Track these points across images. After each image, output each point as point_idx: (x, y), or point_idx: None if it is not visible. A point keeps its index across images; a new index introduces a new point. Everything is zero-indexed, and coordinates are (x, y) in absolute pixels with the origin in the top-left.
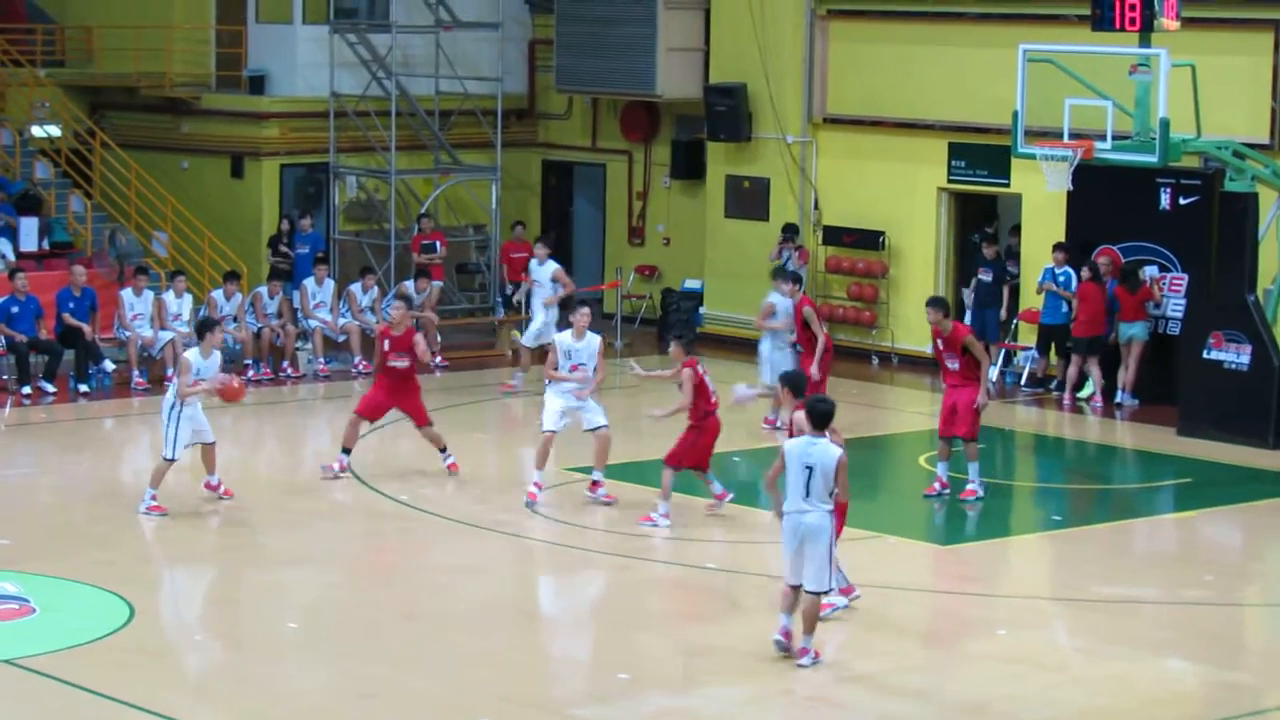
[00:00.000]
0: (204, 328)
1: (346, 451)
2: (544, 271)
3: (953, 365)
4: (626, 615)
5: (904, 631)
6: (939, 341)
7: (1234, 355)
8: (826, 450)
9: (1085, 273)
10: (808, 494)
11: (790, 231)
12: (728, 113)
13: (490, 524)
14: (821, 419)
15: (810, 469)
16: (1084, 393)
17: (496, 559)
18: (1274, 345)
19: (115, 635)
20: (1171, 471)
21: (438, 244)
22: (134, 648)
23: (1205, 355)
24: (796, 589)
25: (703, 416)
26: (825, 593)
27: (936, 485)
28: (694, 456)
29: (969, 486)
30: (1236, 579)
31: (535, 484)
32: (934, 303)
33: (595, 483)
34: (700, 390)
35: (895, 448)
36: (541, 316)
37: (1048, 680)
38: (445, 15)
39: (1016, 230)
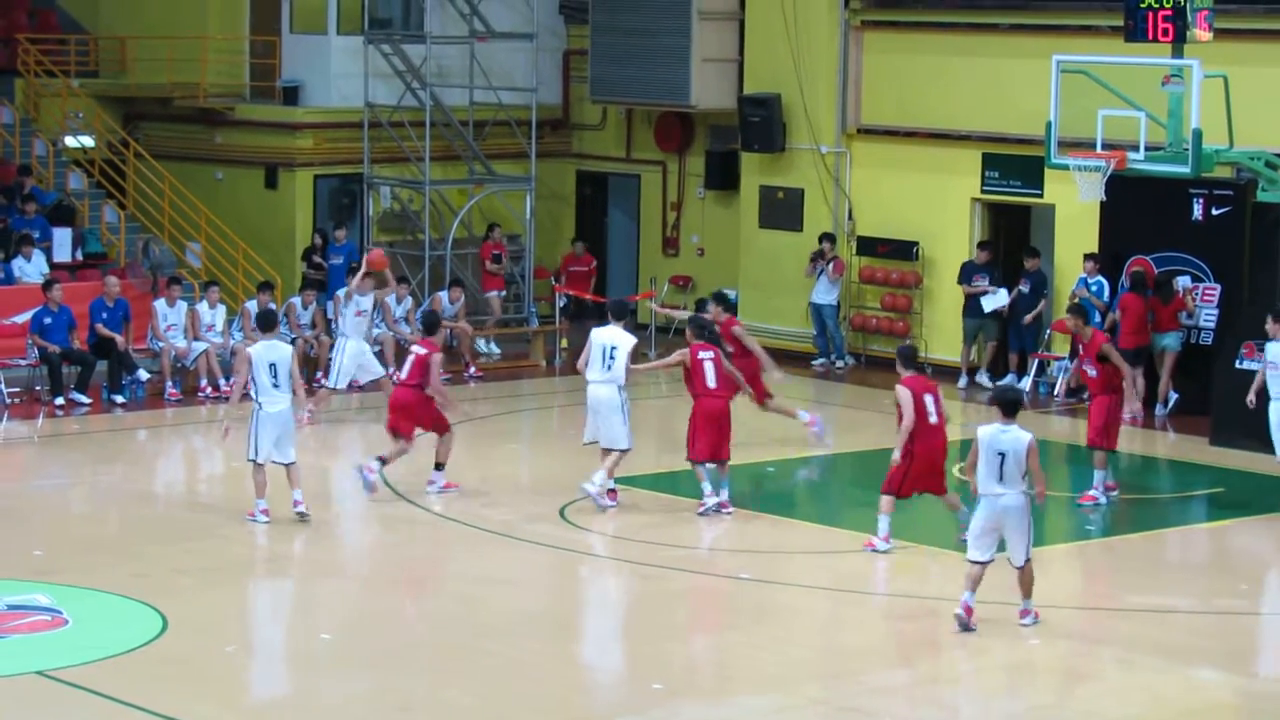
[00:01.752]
0: None
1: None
2: None
3: (1092, 372)
4: (659, 625)
5: (936, 642)
6: (1080, 348)
7: None
8: (1017, 437)
9: (1126, 282)
10: (1001, 478)
11: (827, 240)
12: (762, 123)
13: (523, 534)
14: (1011, 408)
15: (1002, 455)
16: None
17: (529, 569)
18: None
19: (148, 647)
20: (1204, 481)
21: (502, 255)
22: (167, 659)
23: (1238, 365)
24: (984, 566)
25: (693, 399)
26: (1028, 562)
27: (1097, 492)
28: (698, 444)
29: (1090, 492)
30: (1270, 588)
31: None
32: (1074, 310)
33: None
34: (696, 372)
35: None
36: None
37: (1080, 691)
38: (480, 26)
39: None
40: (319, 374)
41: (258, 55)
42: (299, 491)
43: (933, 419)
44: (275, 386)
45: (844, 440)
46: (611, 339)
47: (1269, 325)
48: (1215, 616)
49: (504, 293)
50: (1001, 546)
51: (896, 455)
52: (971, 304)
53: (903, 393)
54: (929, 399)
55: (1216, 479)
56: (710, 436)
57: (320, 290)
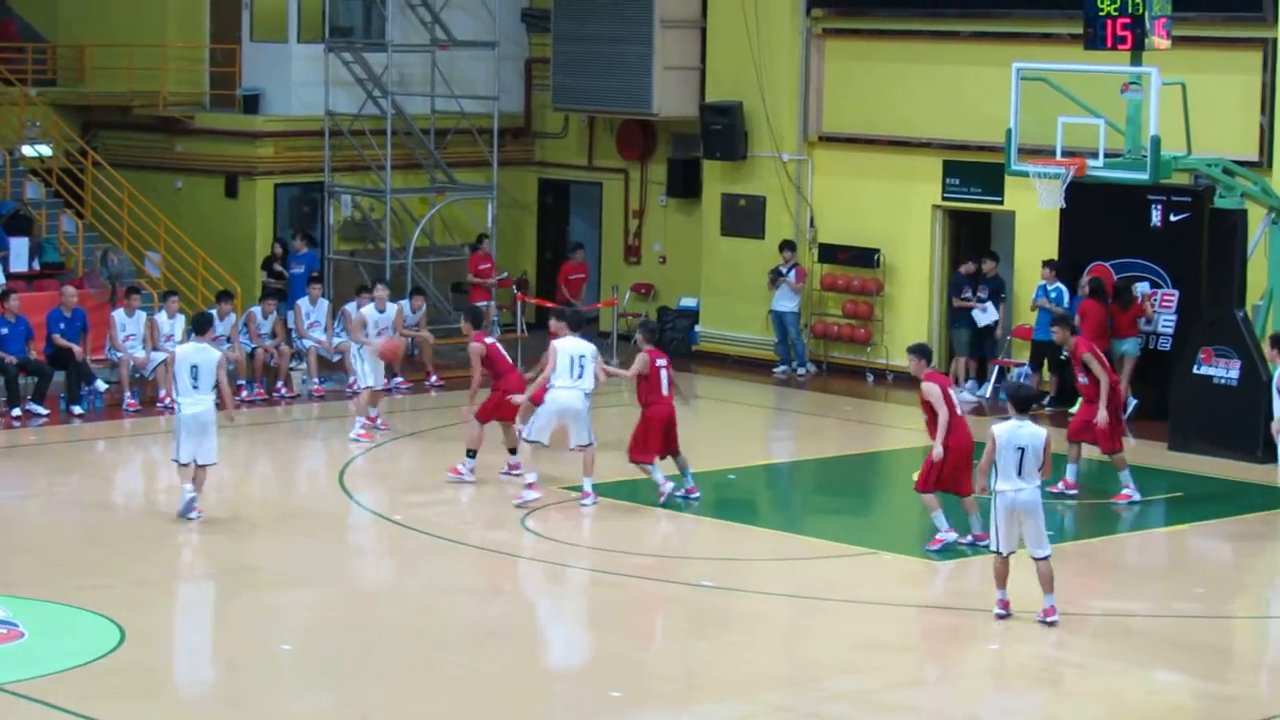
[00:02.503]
0: None
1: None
2: None
3: (1083, 380)
4: (620, 633)
5: (897, 647)
6: (1072, 357)
7: (1224, 370)
8: (1035, 431)
9: (1084, 289)
10: (1020, 472)
11: (788, 248)
12: (724, 131)
13: (484, 543)
14: (1025, 404)
15: (1022, 450)
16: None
17: (490, 578)
18: (1263, 361)
19: (105, 659)
20: (1163, 486)
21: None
22: (124, 671)
23: (1195, 370)
24: (1007, 559)
25: (645, 405)
26: (1048, 556)
27: (1061, 485)
28: (651, 446)
29: (1124, 491)
30: (1227, 592)
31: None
32: (1060, 321)
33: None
34: (653, 378)
35: (890, 464)
36: None
37: (1040, 695)
38: (441, 34)
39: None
40: (279, 383)
41: (218, 63)
42: (198, 496)
43: (961, 413)
44: (195, 388)
45: (806, 447)
46: (579, 348)
47: (1268, 351)
48: (1174, 620)
49: (492, 303)
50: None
51: (938, 449)
52: (960, 317)
53: (931, 389)
54: (952, 394)
55: (1174, 484)
56: (660, 442)
57: (280, 299)
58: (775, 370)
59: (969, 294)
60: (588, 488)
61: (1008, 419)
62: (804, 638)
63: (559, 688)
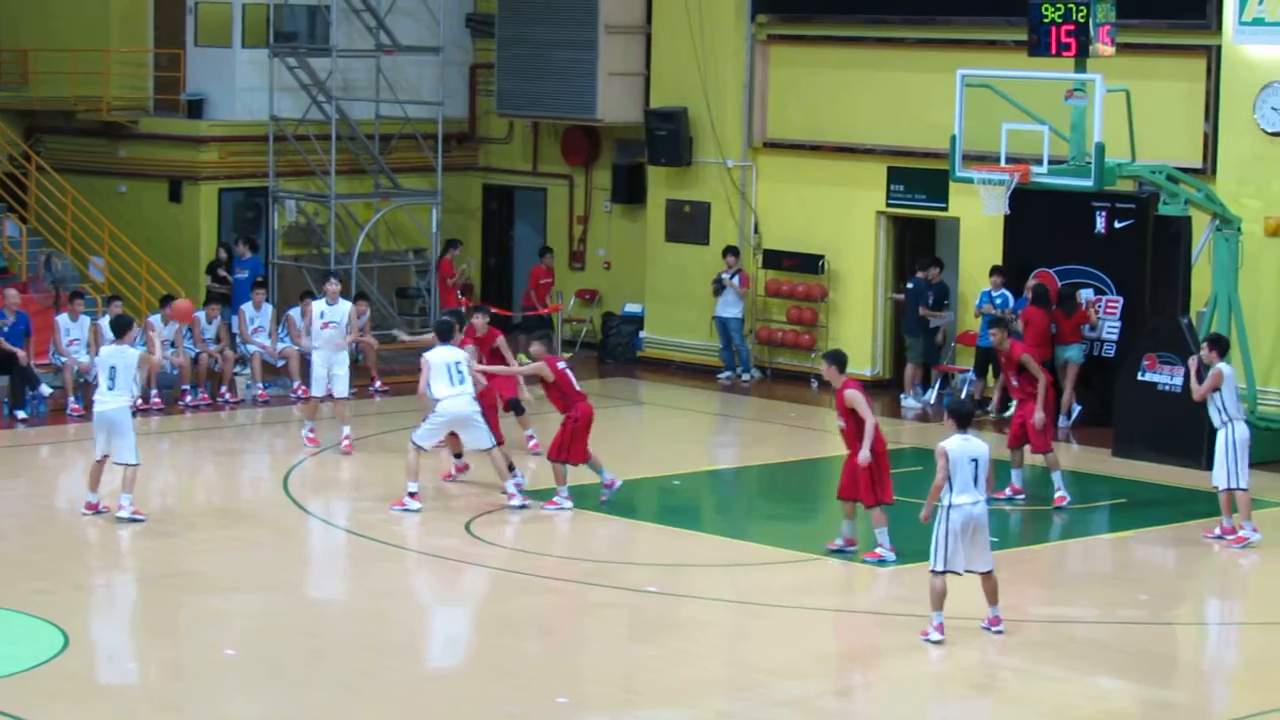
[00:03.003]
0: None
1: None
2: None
3: (1014, 383)
4: (564, 639)
5: (841, 653)
6: (1002, 360)
7: (1168, 377)
8: (979, 444)
9: (1028, 295)
10: (975, 484)
11: (731, 254)
12: (668, 137)
13: (430, 549)
14: (968, 418)
15: (975, 461)
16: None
17: (436, 584)
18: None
19: (48, 664)
20: (1107, 492)
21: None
22: (68, 677)
23: (1140, 377)
24: (946, 578)
25: (568, 408)
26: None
27: (1008, 490)
28: (577, 449)
29: (1058, 494)
30: (1170, 598)
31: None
32: (997, 323)
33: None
34: (563, 382)
35: (834, 471)
36: None
37: (982, 701)
38: (386, 40)
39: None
40: (223, 389)
41: (162, 68)
42: (128, 495)
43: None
44: (111, 389)
45: (750, 453)
46: (451, 356)
47: (1205, 353)
48: (1116, 626)
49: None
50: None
51: (866, 454)
52: (921, 324)
53: (856, 396)
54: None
55: (1118, 490)
56: (584, 441)
57: (224, 304)
58: (719, 376)
59: (931, 301)
60: (510, 489)
61: (952, 435)
62: (747, 643)
63: (504, 693)
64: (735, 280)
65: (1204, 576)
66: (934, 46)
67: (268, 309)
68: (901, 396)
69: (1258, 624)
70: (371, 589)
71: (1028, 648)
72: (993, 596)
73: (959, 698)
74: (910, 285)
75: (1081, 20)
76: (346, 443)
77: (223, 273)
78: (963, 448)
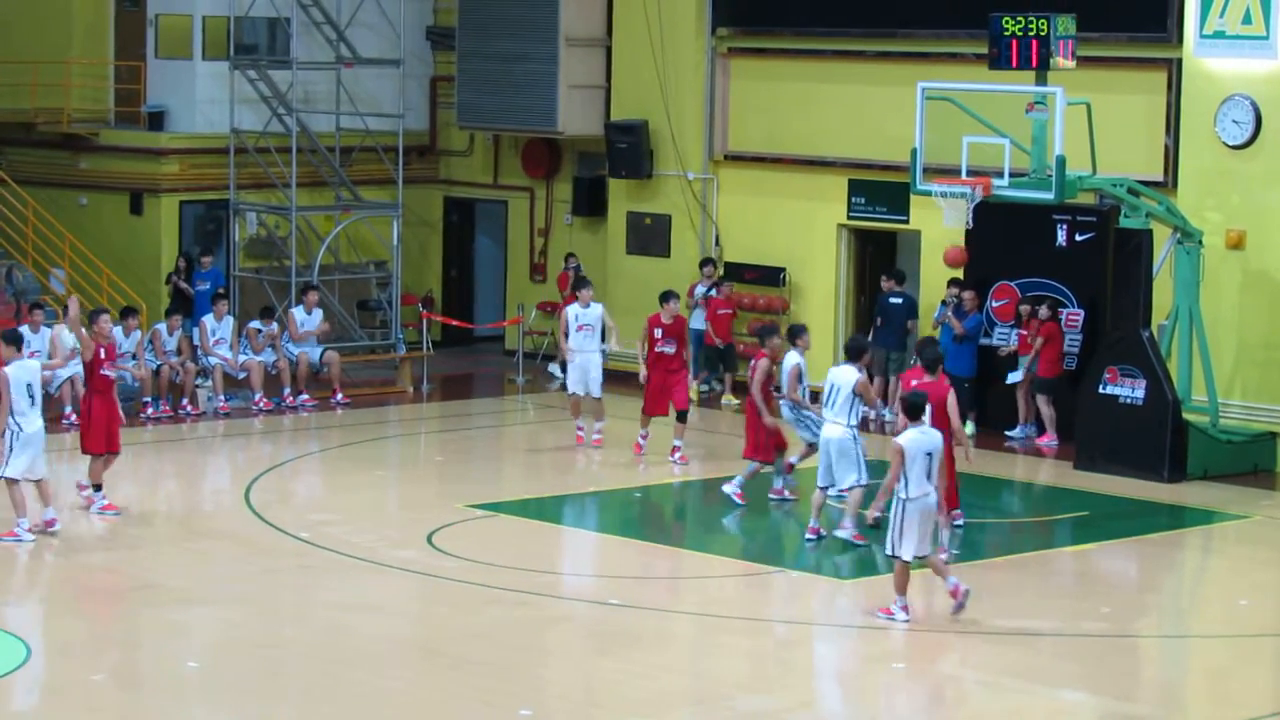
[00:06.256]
0: None
1: None
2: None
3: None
4: (527, 652)
5: (804, 665)
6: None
7: (1129, 390)
8: (933, 435)
9: (1044, 311)
10: (929, 476)
11: (709, 264)
12: (629, 150)
13: (391, 561)
14: (920, 410)
15: (930, 454)
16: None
17: (397, 596)
18: (1168, 380)
19: (10, 675)
20: (1068, 505)
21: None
22: (31, 688)
23: (1101, 390)
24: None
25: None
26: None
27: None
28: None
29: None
30: (1132, 611)
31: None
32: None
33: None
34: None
35: (803, 483)
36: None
37: (946, 714)
38: (346, 52)
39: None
40: (185, 401)
41: (123, 80)
42: (52, 510)
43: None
44: (32, 406)
45: (713, 466)
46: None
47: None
48: (1079, 639)
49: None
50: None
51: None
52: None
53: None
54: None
55: (1080, 503)
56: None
57: (185, 316)
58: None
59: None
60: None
61: (907, 429)
62: (710, 656)
63: (465, 706)
64: (714, 294)
65: (1166, 589)
66: (895, 59)
67: (229, 321)
68: (885, 412)
69: (1219, 637)
70: (334, 601)
71: (992, 659)
72: (944, 570)
73: (922, 710)
74: (892, 301)
75: (1042, 33)
76: None
77: (182, 283)
78: (918, 441)
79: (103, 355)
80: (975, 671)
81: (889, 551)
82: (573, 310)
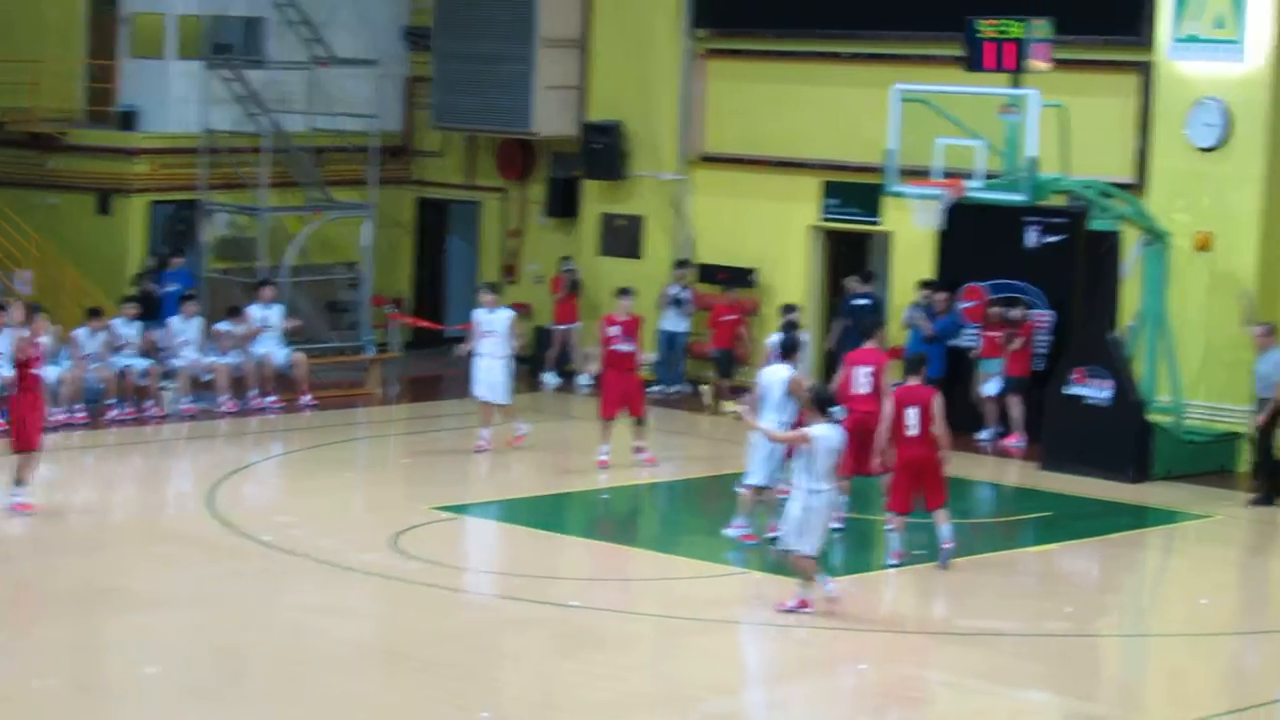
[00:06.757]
0: None
1: None
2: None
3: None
4: (490, 654)
5: (768, 667)
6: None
7: (1096, 391)
8: (842, 433)
9: (1018, 313)
10: (832, 472)
11: (681, 267)
12: (604, 150)
13: (356, 564)
14: (827, 404)
15: (836, 451)
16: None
17: (362, 599)
18: (1134, 382)
19: None
20: (1034, 505)
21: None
22: None
23: (1068, 391)
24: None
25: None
26: None
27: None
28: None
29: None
30: (1095, 611)
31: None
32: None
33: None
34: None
35: None
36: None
37: (910, 714)
38: (321, 52)
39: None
40: (149, 403)
41: (95, 79)
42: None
43: (911, 431)
44: None
45: (680, 468)
46: None
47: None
48: (1043, 639)
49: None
50: None
51: (876, 462)
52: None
53: (887, 403)
54: (913, 411)
55: (1045, 503)
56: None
57: (151, 317)
58: (651, 389)
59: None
60: None
61: (820, 422)
62: (674, 658)
63: (427, 709)
64: (688, 295)
65: (1128, 589)
66: (870, 61)
67: (196, 322)
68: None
69: (1181, 636)
70: (298, 604)
71: (955, 660)
72: (809, 580)
73: (887, 711)
74: (856, 302)
75: (1017, 36)
76: None
77: (150, 285)
78: (829, 437)
79: (34, 355)
80: (939, 672)
81: (789, 547)
82: (480, 314)
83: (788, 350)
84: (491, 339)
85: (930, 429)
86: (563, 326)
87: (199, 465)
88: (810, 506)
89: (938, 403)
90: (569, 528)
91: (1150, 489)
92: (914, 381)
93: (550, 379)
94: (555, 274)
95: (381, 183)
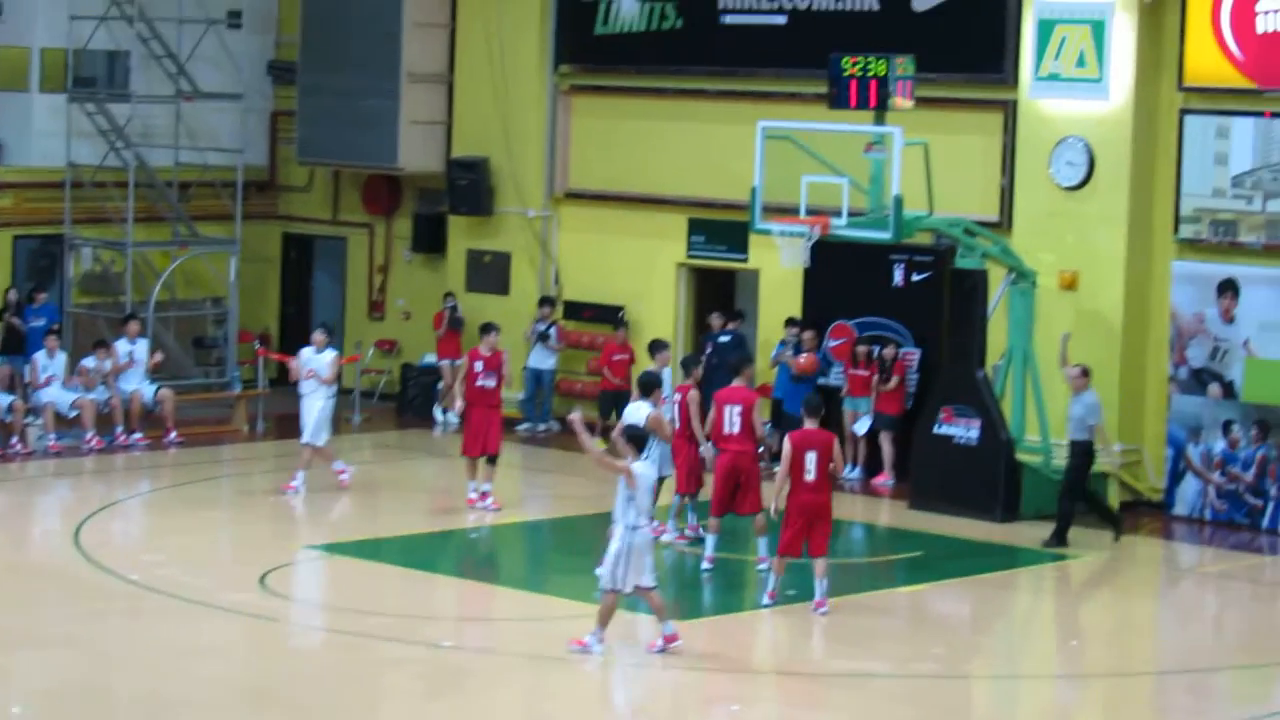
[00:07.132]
0: None
1: None
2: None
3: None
4: (359, 695)
5: (640, 708)
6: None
7: (964, 430)
8: (655, 472)
9: (891, 350)
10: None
11: (547, 304)
12: (470, 186)
13: (224, 604)
14: (640, 441)
15: (659, 482)
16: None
17: (231, 639)
18: (1002, 420)
19: None
20: (904, 545)
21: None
22: None
23: (936, 430)
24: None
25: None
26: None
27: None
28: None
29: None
30: (964, 651)
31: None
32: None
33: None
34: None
35: None
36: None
37: None
38: (186, 86)
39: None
40: (14, 440)
41: None
42: None
43: (809, 476)
44: None
45: (551, 506)
46: None
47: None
48: (911, 680)
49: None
50: None
51: (774, 508)
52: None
53: (785, 445)
54: (812, 455)
55: (915, 543)
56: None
57: (16, 353)
58: (518, 428)
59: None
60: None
61: (633, 459)
62: (546, 699)
63: None
64: (552, 332)
65: (998, 630)
66: (736, 98)
67: (61, 357)
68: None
69: (1049, 677)
70: (165, 644)
71: (825, 701)
72: (663, 613)
73: None
74: (721, 339)
75: (881, 74)
76: None
77: (14, 320)
78: (649, 472)
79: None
80: (812, 713)
81: (611, 585)
82: (307, 352)
83: (647, 388)
84: (312, 380)
85: (827, 474)
86: (445, 362)
87: (65, 502)
88: (632, 544)
89: (837, 448)
90: (439, 567)
91: (1019, 528)
92: (811, 425)
93: (443, 416)
94: (439, 310)
95: (247, 217)
